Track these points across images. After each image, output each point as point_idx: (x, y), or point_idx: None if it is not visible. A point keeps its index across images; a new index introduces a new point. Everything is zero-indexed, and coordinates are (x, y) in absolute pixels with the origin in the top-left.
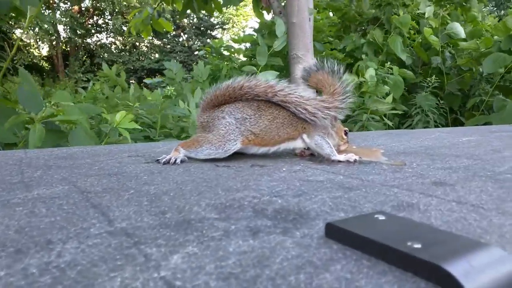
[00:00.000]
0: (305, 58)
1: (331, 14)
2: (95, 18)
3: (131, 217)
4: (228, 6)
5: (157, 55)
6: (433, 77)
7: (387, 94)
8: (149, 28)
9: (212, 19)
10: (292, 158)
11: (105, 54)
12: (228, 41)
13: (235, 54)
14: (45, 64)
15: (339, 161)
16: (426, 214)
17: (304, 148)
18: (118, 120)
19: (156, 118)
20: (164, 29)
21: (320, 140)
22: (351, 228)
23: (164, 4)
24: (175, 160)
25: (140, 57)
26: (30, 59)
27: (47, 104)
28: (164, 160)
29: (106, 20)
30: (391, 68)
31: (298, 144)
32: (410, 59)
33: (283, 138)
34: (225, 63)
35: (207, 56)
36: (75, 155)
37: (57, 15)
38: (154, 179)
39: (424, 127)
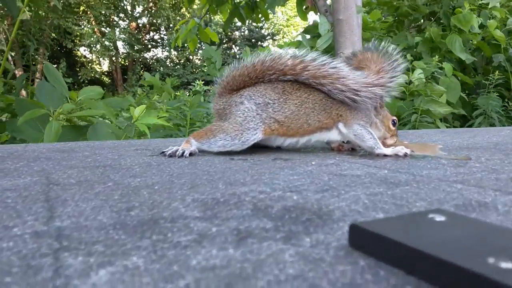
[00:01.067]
0: (352, 38)
1: (379, 10)
2: (151, 33)
3: (82, 214)
4: (274, 7)
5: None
6: (496, 73)
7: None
8: (195, 39)
9: (262, 31)
10: (327, 153)
11: (161, 68)
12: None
13: None
14: (105, 79)
15: (385, 155)
16: (509, 217)
17: (343, 142)
18: (136, 115)
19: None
20: (210, 40)
21: (360, 130)
22: (391, 234)
23: (211, 15)
24: (183, 153)
25: (194, 69)
26: (92, 75)
27: (69, 99)
28: (170, 152)
29: (162, 35)
30: (441, 68)
31: (333, 135)
32: (470, 58)
33: (314, 127)
34: None
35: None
36: (77, 149)
37: (116, 32)
38: (146, 172)
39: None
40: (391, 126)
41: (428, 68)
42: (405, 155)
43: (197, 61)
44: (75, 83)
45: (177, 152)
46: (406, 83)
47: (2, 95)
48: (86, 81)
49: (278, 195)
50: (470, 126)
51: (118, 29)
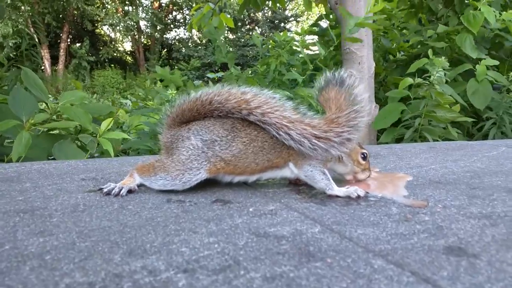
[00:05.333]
0: (361, 52)
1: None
2: (173, 13)
3: None
4: None
5: (231, 49)
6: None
7: (455, 102)
8: (210, 23)
9: (286, 12)
10: (280, 188)
11: (183, 48)
12: (294, 32)
13: (300, 47)
14: (128, 58)
15: (338, 196)
16: None
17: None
18: (102, 129)
19: None
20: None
21: (310, 171)
22: None
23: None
24: (120, 191)
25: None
26: (114, 53)
27: (49, 106)
28: (107, 190)
29: (184, 15)
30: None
31: (286, 173)
32: (483, 53)
33: (263, 166)
34: (276, 56)
35: (270, 49)
36: (23, 176)
37: (140, 12)
38: (60, 224)
39: (502, 132)
40: (360, 160)
41: (447, 68)
42: (358, 197)
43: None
44: (97, 61)
45: (113, 191)
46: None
47: None
48: (107, 60)
49: (165, 279)
50: (481, 127)
51: (140, 8)
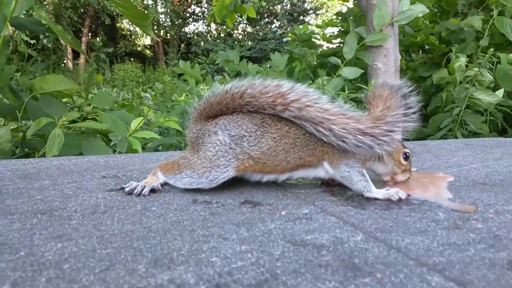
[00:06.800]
0: (387, 44)
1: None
2: (192, 7)
3: None
4: None
5: (250, 43)
6: None
7: (495, 86)
8: (233, 14)
9: (305, 5)
10: (312, 189)
11: (201, 42)
12: (314, 25)
13: (321, 41)
14: (148, 52)
15: (376, 199)
16: None
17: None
18: (132, 128)
19: None
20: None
21: (347, 172)
22: None
23: None
24: (142, 190)
25: (235, 44)
26: (132, 47)
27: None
28: (128, 189)
29: (203, 9)
30: (494, 56)
31: (319, 172)
32: None
33: (295, 164)
34: (309, 50)
35: (290, 43)
36: (42, 173)
37: (159, 6)
38: (80, 227)
39: None
40: (402, 160)
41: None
42: (399, 200)
43: (238, 35)
44: (117, 55)
45: (135, 190)
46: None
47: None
48: (126, 54)
49: None
50: None
51: (160, 2)
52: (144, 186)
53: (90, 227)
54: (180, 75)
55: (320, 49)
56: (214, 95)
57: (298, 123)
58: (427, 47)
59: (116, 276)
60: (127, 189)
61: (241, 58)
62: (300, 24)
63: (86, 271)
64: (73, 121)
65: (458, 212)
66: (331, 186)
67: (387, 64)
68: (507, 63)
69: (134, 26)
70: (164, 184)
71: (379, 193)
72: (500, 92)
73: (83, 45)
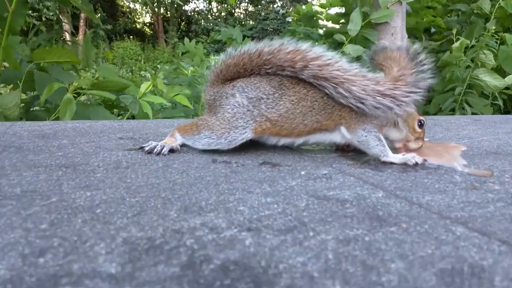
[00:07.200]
0: (394, 22)
1: None
2: None
3: None
4: None
5: (251, 22)
6: None
7: (498, 68)
8: None
9: None
10: (327, 153)
11: (202, 20)
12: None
13: (324, 20)
14: (147, 30)
15: (392, 163)
16: None
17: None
18: (141, 91)
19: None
20: None
21: (365, 136)
22: None
23: None
24: (162, 149)
25: (236, 23)
26: (131, 24)
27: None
28: (148, 148)
29: None
30: (497, 35)
31: (335, 137)
32: None
33: (312, 128)
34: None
35: (292, 23)
36: (60, 133)
37: None
38: (106, 179)
39: None
40: (416, 127)
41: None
42: (416, 164)
43: (240, 15)
44: (115, 32)
45: (155, 149)
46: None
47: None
48: (123, 31)
49: (229, 237)
50: None
51: None
52: (164, 146)
53: (115, 179)
54: (184, 53)
55: (324, 29)
56: (231, 56)
57: (317, 83)
58: (433, 29)
59: (149, 220)
60: (146, 148)
61: (243, 37)
62: (303, 4)
63: (119, 215)
64: (78, 93)
65: (474, 176)
66: (346, 151)
67: (394, 43)
68: (511, 45)
69: (134, 3)
70: (182, 145)
71: (396, 157)
72: (510, 78)
73: (81, 21)
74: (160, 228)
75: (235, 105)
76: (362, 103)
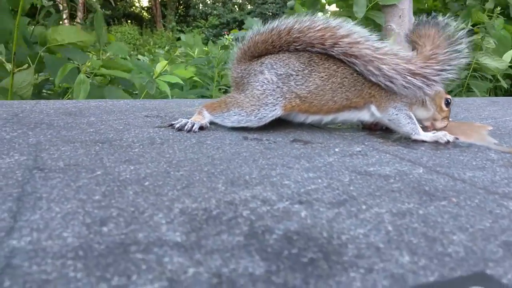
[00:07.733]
0: (402, 5)
1: None
2: None
3: (48, 226)
4: None
5: (249, 6)
6: None
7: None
8: None
9: None
10: (356, 132)
11: (200, 5)
12: None
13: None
14: (145, 14)
15: (424, 141)
16: None
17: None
18: (158, 71)
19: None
20: None
21: (396, 114)
22: None
23: None
24: (192, 127)
25: (235, 7)
26: (130, 9)
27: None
28: (178, 125)
29: None
30: (492, 16)
31: (364, 116)
32: None
33: (341, 105)
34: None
35: (296, 6)
36: (85, 111)
37: None
38: (145, 154)
39: None
40: (443, 106)
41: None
42: (447, 142)
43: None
44: (113, 16)
45: (186, 126)
46: None
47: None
48: (122, 15)
49: (283, 209)
50: None
51: None
52: (194, 123)
53: (154, 154)
54: (179, 39)
55: (329, 12)
56: (259, 33)
57: (347, 60)
58: (434, 13)
59: (199, 192)
60: (177, 125)
61: (241, 21)
62: None
63: (169, 187)
64: (91, 73)
65: (510, 153)
66: (373, 130)
67: (402, 26)
68: (502, 28)
69: None
70: (210, 123)
71: (427, 135)
72: (508, 56)
73: (79, 6)
74: (212, 199)
75: (264, 82)
76: (392, 81)
